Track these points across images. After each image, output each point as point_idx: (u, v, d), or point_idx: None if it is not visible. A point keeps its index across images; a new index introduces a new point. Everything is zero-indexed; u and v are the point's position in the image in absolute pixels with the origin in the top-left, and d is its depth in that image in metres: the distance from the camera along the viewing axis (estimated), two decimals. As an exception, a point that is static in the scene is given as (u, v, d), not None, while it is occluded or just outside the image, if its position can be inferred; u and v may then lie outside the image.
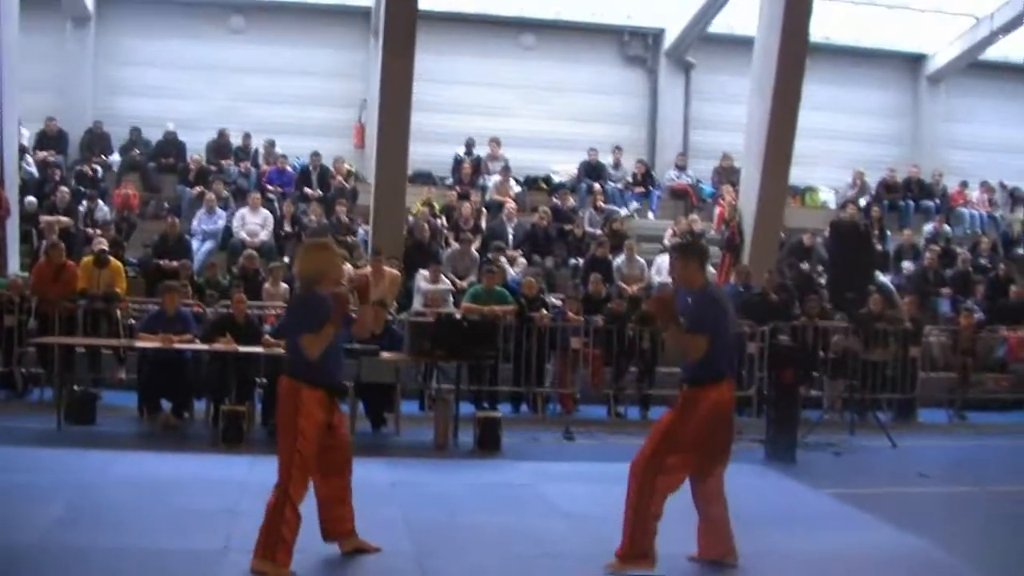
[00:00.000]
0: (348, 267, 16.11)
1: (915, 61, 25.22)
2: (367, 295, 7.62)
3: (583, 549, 8.05)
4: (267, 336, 13.05)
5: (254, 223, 19.11)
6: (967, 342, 17.05)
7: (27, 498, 8.87)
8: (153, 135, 21.73)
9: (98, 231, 17.62)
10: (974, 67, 24.76)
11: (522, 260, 19.11)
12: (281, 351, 12.35)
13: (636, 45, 24.29)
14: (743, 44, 21.56)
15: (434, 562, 7.54)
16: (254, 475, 9.50)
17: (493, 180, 21.70)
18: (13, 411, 13.91)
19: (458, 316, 14.89)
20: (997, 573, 7.64)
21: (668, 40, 23.83)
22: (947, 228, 22.13)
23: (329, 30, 23.09)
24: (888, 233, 21.49)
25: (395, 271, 15.71)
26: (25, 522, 8.05)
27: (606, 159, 22.83)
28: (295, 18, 23.03)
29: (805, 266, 19.38)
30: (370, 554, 7.44)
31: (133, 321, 15.32)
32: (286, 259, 17.70)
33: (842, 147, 23.62)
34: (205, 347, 12.91)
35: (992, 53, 24.25)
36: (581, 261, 19.37)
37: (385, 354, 12.83)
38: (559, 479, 10.79)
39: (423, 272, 16.84)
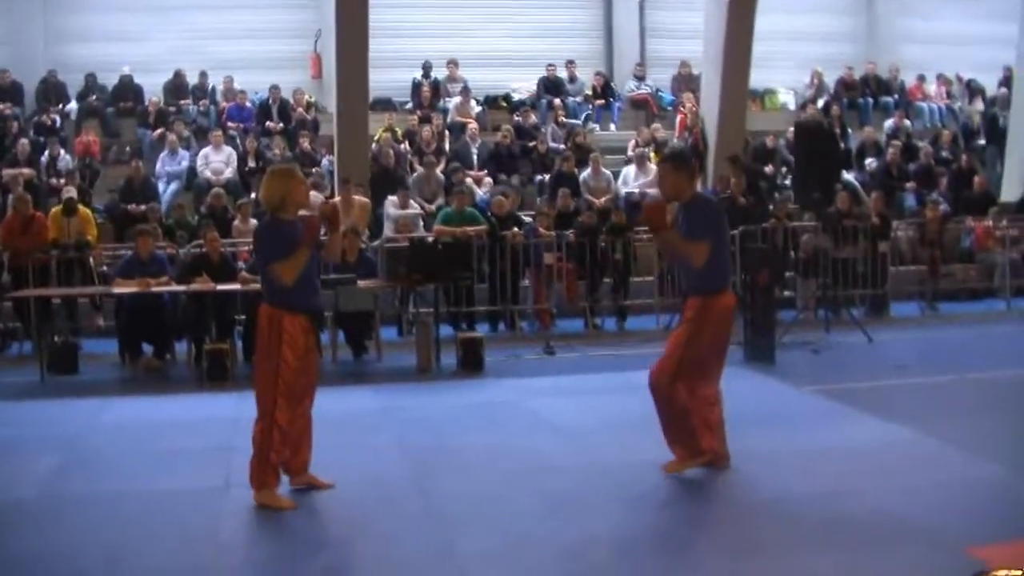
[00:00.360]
0: (316, 195, 16.19)
1: (868, -44, 25.16)
2: (337, 222, 7.63)
3: (576, 461, 8.18)
4: (243, 273, 13.06)
5: (218, 161, 19.01)
6: (934, 234, 17.22)
7: (20, 452, 8.91)
8: (109, 80, 21.44)
9: (63, 180, 17.52)
10: (927, -41, 24.75)
11: (488, 180, 19.12)
12: (258, 287, 12.51)
13: (588, -44, 24.14)
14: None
15: (432, 483, 7.66)
16: (243, 411, 9.38)
17: (453, 102, 21.61)
18: (-8, 365, 13.90)
19: (431, 240, 14.95)
20: (988, 456, 7.80)
21: (619, -52, 23.67)
22: (907, 123, 22.20)
23: (277, -40, 22.82)
24: (849, 131, 21.55)
25: (364, 199, 15.74)
26: (22, 476, 8.09)
27: (563, 74, 22.76)
28: (243, -49, 22.72)
29: (769, 168, 19.51)
30: (324, 489, 7.44)
31: (106, 268, 15.32)
32: (253, 195, 17.68)
33: (798, 47, 23.53)
34: (183, 288, 12.90)
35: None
36: (547, 177, 19.40)
37: (362, 282, 12.90)
38: (544, 394, 10.95)
39: (391, 198, 16.81)
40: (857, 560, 5.77)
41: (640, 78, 23.11)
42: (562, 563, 5.98)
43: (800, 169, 14.78)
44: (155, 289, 12.87)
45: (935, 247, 17.10)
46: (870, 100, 23.05)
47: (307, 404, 7.40)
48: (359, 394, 11.35)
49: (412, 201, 17.01)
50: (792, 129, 18.35)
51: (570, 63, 22.83)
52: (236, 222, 16.20)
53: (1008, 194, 20.03)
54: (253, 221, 15.95)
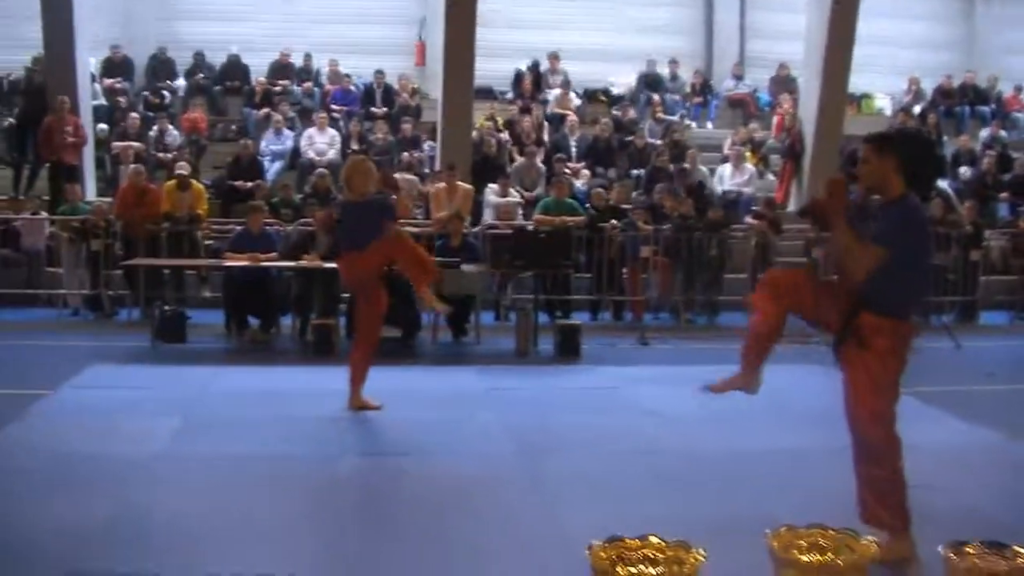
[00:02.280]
0: (412, 179, 16.62)
1: (971, -33, 25.16)
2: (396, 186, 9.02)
3: (678, 446, 8.45)
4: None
5: (322, 142, 19.46)
6: (1028, 245, 17.26)
7: (142, 412, 9.31)
8: (216, 59, 22.05)
9: (171, 155, 18.08)
10: (1030, -28, 24.69)
11: (585, 172, 19.39)
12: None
13: (687, -45, 24.37)
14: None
15: (539, 461, 7.94)
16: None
17: (554, 94, 21.92)
18: (104, 330, 14.38)
19: (531, 228, 15.26)
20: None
21: (724, -49, 23.88)
22: (1003, 133, 22.18)
23: (388, -52, 23.25)
24: (944, 139, 21.57)
25: (468, 185, 16.09)
26: (146, 434, 8.47)
27: (663, 70, 22.98)
28: (352, -64, 23.18)
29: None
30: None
31: (212, 242, 15.81)
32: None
33: (897, 53, 23.61)
34: (292, 264, 13.33)
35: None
36: (643, 172, 19.67)
37: (465, 266, 13.25)
38: (642, 382, 11.17)
39: (492, 186, 17.17)
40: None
41: (739, 77, 23.30)
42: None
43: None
44: (264, 264, 13.30)
45: (1029, 257, 17.12)
46: (967, 109, 23.02)
47: None
48: (463, 374, 11.67)
49: (512, 189, 17.33)
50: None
51: (673, 62, 23.05)
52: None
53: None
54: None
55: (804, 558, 4.56)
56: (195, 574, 5.49)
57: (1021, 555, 4.57)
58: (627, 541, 4.58)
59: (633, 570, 4.38)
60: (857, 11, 18.11)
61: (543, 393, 10.64)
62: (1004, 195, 19.92)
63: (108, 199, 16.94)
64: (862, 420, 5.90)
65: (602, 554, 4.47)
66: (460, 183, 15.97)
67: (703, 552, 4.49)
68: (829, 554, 4.60)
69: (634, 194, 18.12)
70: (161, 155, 18.67)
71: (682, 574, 4.35)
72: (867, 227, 5.78)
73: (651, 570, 4.37)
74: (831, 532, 4.69)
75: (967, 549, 4.62)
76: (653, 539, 4.58)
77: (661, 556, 4.46)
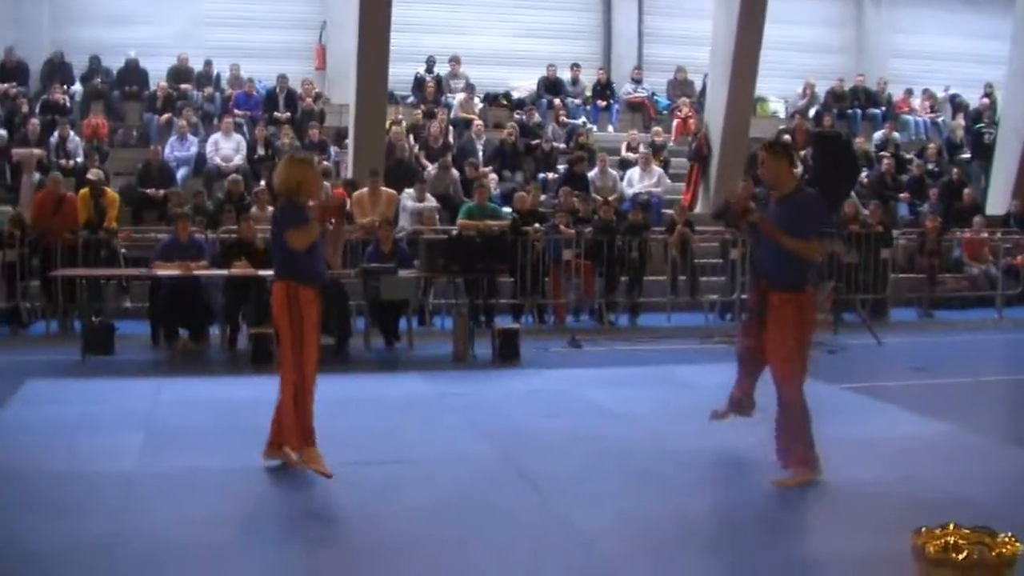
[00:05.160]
0: (327, 185, 16.49)
1: (860, -28, 25.90)
2: (341, 216, 8.26)
3: (650, 446, 8.58)
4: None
5: (227, 148, 19.21)
6: (934, 244, 17.80)
7: (100, 427, 9.09)
8: (113, 63, 21.59)
9: (72, 163, 17.72)
10: (915, -23, 25.54)
11: (493, 176, 19.43)
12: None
13: (589, -40, 24.62)
14: (695, -41, 22.36)
15: (524, 463, 7.98)
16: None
17: (457, 98, 21.95)
18: (23, 345, 14.02)
19: (455, 232, 15.28)
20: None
21: (621, -45, 24.17)
22: (896, 135, 22.82)
23: (286, -49, 23.07)
24: (841, 140, 22.08)
25: (391, 191, 16.04)
26: (113, 450, 8.28)
27: (564, 75, 23.16)
28: (251, -59, 22.93)
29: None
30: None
31: (124, 250, 15.48)
32: (262, 183, 18.00)
33: (789, 57, 24.08)
34: (224, 272, 13.15)
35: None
36: (550, 176, 19.82)
37: (401, 272, 13.22)
38: (593, 384, 11.30)
39: (408, 191, 17.11)
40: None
41: (637, 81, 23.59)
42: (681, 533, 6.42)
43: (819, 178, 15.12)
44: (196, 272, 13.10)
45: (934, 256, 17.65)
46: (859, 111, 23.65)
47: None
48: (408, 380, 11.64)
49: (428, 194, 17.31)
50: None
51: (575, 66, 23.29)
52: (254, 209, 16.36)
53: (993, 208, 20.63)
54: (270, 208, 16.17)
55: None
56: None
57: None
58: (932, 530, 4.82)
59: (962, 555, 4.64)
60: (764, 17, 18.47)
61: (497, 397, 10.68)
62: (903, 195, 20.50)
63: (8, 208, 16.36)
64: (778, 376, 7.48)
65: (931, 543, 4.70)
66: (384, 188, 15.91)
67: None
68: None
69: (543, 197, 18.21)
70: (64, 162, 18.19)
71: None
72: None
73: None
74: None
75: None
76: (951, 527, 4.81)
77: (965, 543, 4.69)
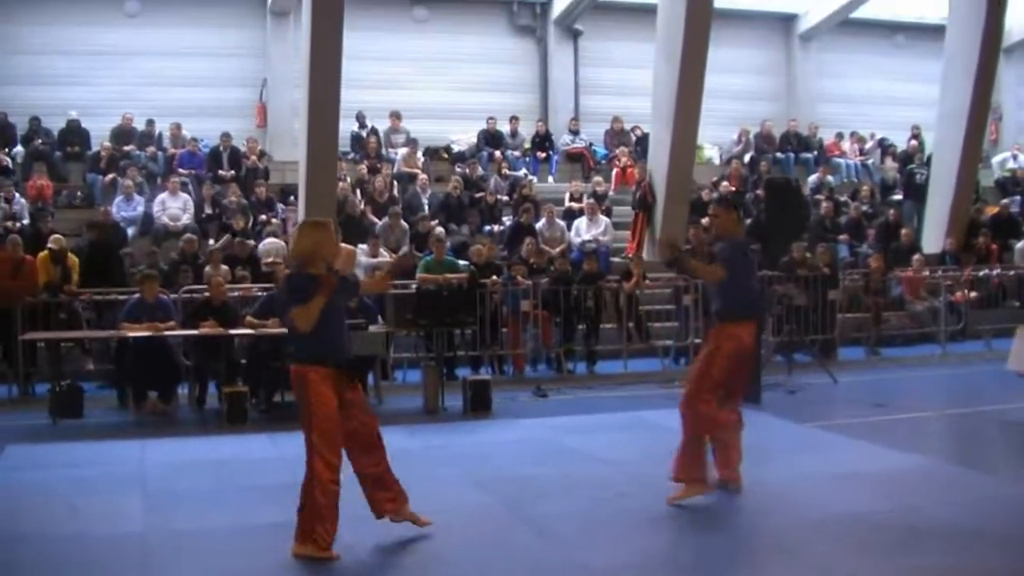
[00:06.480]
0: (274, 242, 16.61)
1: (787, 21, 26.71)
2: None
3: (644, 490, 8.69)
4: (249, 317, 13.36)
5: (175, 207, 19.26)
6: (878, 283, 18.27)
7: (95, 490, 9.08)
8: (53, 124, 21.54)
9: (16, 224, 17.63)
10: (842, 25, 26.42)
11: (439, 229, 19.58)
12: (267, 330, 12.86)
13: (525, 15, 25.13)
14: (629, 11, 23.31)
15: (528, 510, 8.15)
16: (286, 450, 9.91)
17: (400, 153, 22.17)
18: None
19: (418, 287, 15.40)
20: (1014, 481, 8.64)
21: (556, 9, 24.70)
22: (829, 178, 23.39)
23: (224, 10, 23.25)
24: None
25: (349, 246, 16.08)
26: (117, 512, 8.32)
27: (503, 127, 23.49)
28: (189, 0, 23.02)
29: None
30: (422, 527, 7.52)
31: (82, 311, 15.41)
32: (211, 241, 18.08)
33: (722, 105, 24.47)
34: (194, 332, 13.17)
35: (859, 12, 25.87)
36: (495, 227, 20.06)
37: (372, 327, 13.33)
38: (572, 432, 11.49)
39: (362, 246, 17.26)
40: (950, 561, 6.64)
41: (575, 132, 23.96)
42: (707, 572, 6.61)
43: (771, 223, 15.49)
44: (166, 333, 13.11)
45: (878, 295, 18.11)
46: (792, 155, 24.20)
47: (374, 452, 7.46)
48: (390, 434, 11.51)
49: (381, 249, 17.45)
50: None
51: (514, 118, 23.65)
52: (208, 268, 16.37)
53: (929, 246, 21.18)
54: (224, 267, 16.24)
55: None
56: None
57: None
58: None
59: None
60: (704, 67, 18.87)
61: (481, 448, 10.83)
62: (843, 237, 20.99)
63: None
64: (691, 392, 8.35)
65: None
66: (343, 244, 15.98)
67: None
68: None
69: (498, 248, 18.44)
70: (11, 223, 18.06)
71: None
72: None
73: None
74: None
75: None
76: None
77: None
